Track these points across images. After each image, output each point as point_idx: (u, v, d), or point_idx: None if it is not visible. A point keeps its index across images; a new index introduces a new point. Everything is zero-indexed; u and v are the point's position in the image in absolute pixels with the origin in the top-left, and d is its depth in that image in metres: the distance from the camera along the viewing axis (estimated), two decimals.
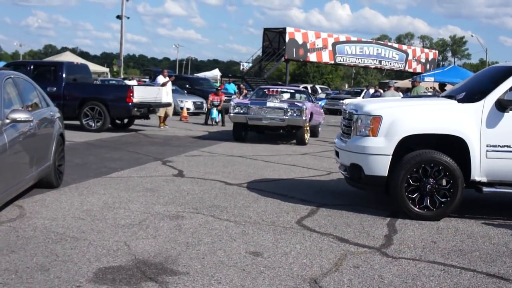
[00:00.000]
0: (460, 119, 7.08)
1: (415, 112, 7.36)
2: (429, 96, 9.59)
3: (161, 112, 19.11)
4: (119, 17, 50.17)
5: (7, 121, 5.88)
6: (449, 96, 7.83)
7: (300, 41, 47.73)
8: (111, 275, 4.56)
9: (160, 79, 19.73)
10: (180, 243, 5.55)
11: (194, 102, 27.43)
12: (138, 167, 10.27)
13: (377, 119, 7.18)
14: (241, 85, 34.45)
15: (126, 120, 18.73)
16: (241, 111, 15.46)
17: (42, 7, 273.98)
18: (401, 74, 66.33)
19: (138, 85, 22.76)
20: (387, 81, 22.74)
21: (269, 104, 15.34)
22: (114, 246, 5.36)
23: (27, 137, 6.46)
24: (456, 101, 7.34)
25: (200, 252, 5.29)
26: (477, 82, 7.99)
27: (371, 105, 7.59)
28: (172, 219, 6.50)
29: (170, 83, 19.87)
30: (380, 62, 54.85)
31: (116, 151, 12.42)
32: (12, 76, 6.74)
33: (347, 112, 7.96)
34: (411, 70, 56.10)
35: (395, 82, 20.30)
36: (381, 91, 27.66)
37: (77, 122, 16.81)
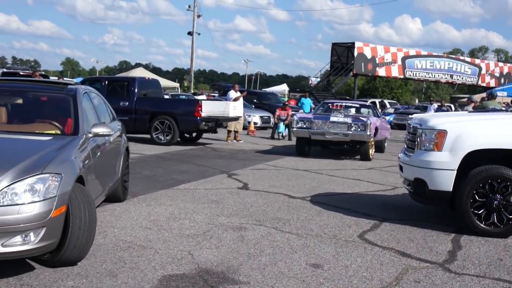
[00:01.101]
0: None
1: (481, 126, 7.25)
2: (496, 110, 9.37)
3: (231, 126, 19.46)
4: (190, 33, 51.36)
5: (90, 135, 6.03)
6: None
7: (369, 56, 47.38)
8: (175, 283, 4.74)
9: (232, 93, 20.11)
10: (242, 254, 5.68)
11: (261, 117, 27.72)
12: (204, 179, 10.51)
13: (442, 133, 7.11)
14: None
15: (194, 134, 19.14)
16: (304, 126, 15.48)
17: (118, 24, 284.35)
18: (474, 89, 64.60)
19: (207, 99, 23.21)
20: (460, 95, 22.22)
21: (332, 118, 15.30)
22: (179, 255, 5.54)
23: (104, 152, 6.62)
24: None
25: (261, 263, 5.40)
26: None
27: (436, 119, 7.52)
28: (235, 230, 6.65)
29: (241, 98, 20.22)
30: (451, 76, 53.64)
31: (184, 164, 12.74)
32: (87, 91, 7.06)
33: (411, 126, 7.91)
34: (484, 84, 54.55)
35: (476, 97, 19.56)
36: (450, 106, 26.99)
37: (148, 136, 17.33)
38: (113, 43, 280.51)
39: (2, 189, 4.39)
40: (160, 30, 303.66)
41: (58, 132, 5.99)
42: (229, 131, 19.77)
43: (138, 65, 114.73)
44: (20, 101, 6.69)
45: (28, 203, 4.42)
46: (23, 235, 4.41)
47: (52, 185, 4.59)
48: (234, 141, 19.60)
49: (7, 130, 5.82)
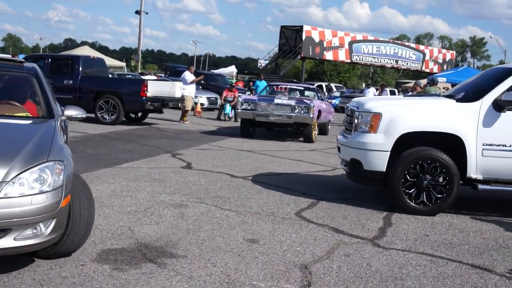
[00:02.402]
0: (457, 118, 7.30)
1: (414, 110, 7.60)
2: (431, 95, 9.77)
3: (188, 106, 19.72)
4: (138, 12, 50.66)
5: (63, 118, 5.70)
6: (449, 96, 8.04)
7: (317, 39, 47.82)
8: (114, 256, 4.87)
9: (188, 75, 20.13)
10: (181, 230, 5.84)
11: (208, 98, 27.76)
12: (148, 158, 10.60)
13: (377, 116, 7.41)
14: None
15: (140, 114, 19.09)
16: (249, 108, 15.68)
17: (62, 1, 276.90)
18: (418, 74, 66.13)
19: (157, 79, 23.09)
20: (405, 80, 22.70)
21: (276, 101, 15.55)
22: (119, 230, 5.67)
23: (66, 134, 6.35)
24: (454, 101, 7.56)
25: (200, 238, 5.58)
26: (477, 83, 8.18)
27: (372, 103, 7.83)
28: (176, 207, 6.80)
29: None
30: (396, 61, 54.75)
31: (129, 143, 12.76)
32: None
33: (349, 109, 8.21)
34: (428, 70, 55.89)
35: (423, 82, 19.92)
36: (387, 90, 27.06)
37: (92, 115, 17.18)
38: (57, 20, 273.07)
39: (10, 180, 4.12)
40: (107, 8, 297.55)
41: (28, 114, 5.62)
42: (185, 111, 19.91)
43: (84, 43, 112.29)
44: None
45: (39, 193, 4.18)
46: (34, 228, 4.19)
47: (59, 173, 4.37)
48: (181, 122, 19.68)
49: None
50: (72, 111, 5.80)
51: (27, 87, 6.00)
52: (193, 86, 20.42)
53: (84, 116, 5.97)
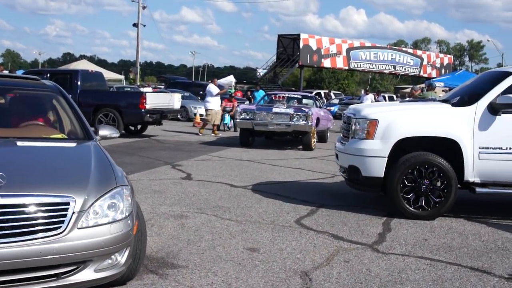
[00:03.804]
0: (453, 122, 7.36)
1: (410, 115, 7.66)
2: (427, 100, 9.85)
3: (214, 119, 19.64)
4: (135, 25, 50.73)
5: (98, 137, 5.38)
6: (445, 100, 8.11)
7: (314, 47, 48.03)
8: None
9: (213, 88, 20.01)
10: (182, 240, 5.89)
11: None
12: (148, 170, 10.65)
13: (374, 122, 7.47)
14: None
15: (139, 126, 19.16)
16: (248, 117, 15.76)
17: (60, 15, 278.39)
18: (416, 79, 66.28)
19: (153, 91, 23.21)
20: (403, 86, 22.74)
21: (275, 109, 15.62)
22: None
23: None
24: (450, 105, 7.62)
25: (200, 248, 5.63)
26: (472, 87, 8.26)
27: (368, 109, 7.89)
28: (177, 218, 6.85)
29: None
30: (394, 67, 54.96)
31: (128, 156, 12.82)
32: None
33: (346, 116, 8.28)
34: (426, 75, 56.04)
35: (419, 87, 19.98)
36: (392, 96, 27.25)
37: (92, 129, 17.23)
38: (55, 35, 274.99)
39: (87, 209, 3.89)
40: (104, 21, 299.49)
41: (63, 135, 5.35)
42: (213, 125, 19.83)
43: (82, 57, 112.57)
44: (1, 100, 5.75)
45: (114, 221, 3.99)
46: (110, 258, 4.00)
47: (128, 199, 4.20)
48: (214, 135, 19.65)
49: (4, 135, 4.96)
50: (106, 131, 5.50)
51: (50, 105, 5.74)
52: (218, 98, 20.11)
53: (117, 135, 5.64)
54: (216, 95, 19.85)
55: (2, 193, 3.69)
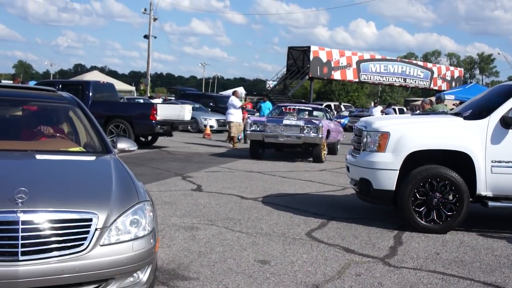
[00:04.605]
0: (465, 136, 7.33)
1: (422, 128, 7.63)
2: (438, 113, 9.82)
3: (235, 131, 19.62)
4: (146, 36, 51.16)
5: (116, 150, 5.27)
6: (457, 114, 8.08)
7: (324, 60, 48.06)
8: None
9: (235, 100, 20.12)
10: (192, 252, 5.89)
11: (217, 120, 27.93)
12: (159, 182, 10.67)
13: (385, 135, 7.46)
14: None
15: (150, 137, 19.22)
16: (258, 129, 15.77)
17: (71, 27, 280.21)
18: (427, 92, 66.20)
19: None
20: (414, 98, 22.67)
21: (285, 121, 15.62)
22: None
23: None
24: (462, 118, 7.59)
25: (211, 260, 5.62)
26: (484, 100, 8.22)
27: (380, 122, 7.88)
28: (187, 230, 6.85)
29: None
30: (404, 80, 54.87)
31: (139, 167, 12.83)
32: None
33: (357, 128, 8.26)
34: (436, 88, 55.90)
35: (429, 100, 19.87)
36: (403, 108, 27.17)
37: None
38: (67, 46, 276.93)
39: (110, 225, 3.78)
40: (115, 33, 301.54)
41: (81, 149, 5.27)
42: (232, 137, 19.82)
43: (93, 68, 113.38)
44: (19, 112, 5.71)
45: (136, 238, 3.87)
46: (132, 276, 3.90)
47: (150, 214, 4.08)
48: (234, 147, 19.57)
49: (23, 149, 4.90)
50: (125, 144, 5.38)
51: (68, 118, 5.68)
52: (240, 111, 20.11)
53: (135, 148, 5.52)
54: (239, 107, 19.88)
55: (25, 208, 3.57)
